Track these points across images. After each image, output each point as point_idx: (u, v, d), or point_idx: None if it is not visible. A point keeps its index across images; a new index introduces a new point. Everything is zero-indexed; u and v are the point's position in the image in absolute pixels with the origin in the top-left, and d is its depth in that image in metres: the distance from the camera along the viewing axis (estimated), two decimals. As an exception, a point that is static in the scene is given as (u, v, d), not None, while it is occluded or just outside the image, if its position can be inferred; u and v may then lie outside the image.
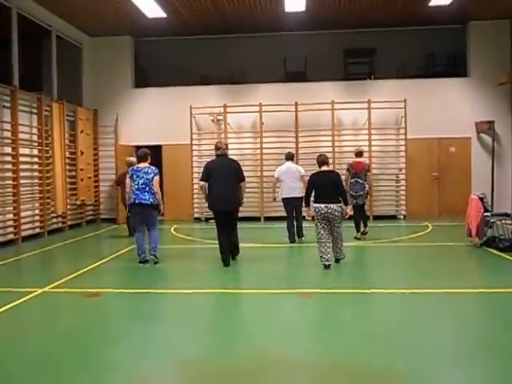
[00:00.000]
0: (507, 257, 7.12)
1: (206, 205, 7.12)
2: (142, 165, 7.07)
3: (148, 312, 4.98)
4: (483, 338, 4.03)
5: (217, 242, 6.96)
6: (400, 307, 4.96)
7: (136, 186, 6.89)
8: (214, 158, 7.13)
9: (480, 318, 4.68)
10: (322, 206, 6.38)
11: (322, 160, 6.78)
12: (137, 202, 6.88)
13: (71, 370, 3.52)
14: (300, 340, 4.03)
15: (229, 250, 6.85)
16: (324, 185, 6.53)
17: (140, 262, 7.04)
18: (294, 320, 4.59)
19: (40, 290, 5.65)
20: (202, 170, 9.42)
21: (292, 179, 8.71)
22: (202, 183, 6.85)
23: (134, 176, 6.95)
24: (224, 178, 6.69)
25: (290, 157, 9.08)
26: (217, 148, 6.99)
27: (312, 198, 6.67)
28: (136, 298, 5.49)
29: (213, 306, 5.17)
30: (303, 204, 8.91)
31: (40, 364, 3.63)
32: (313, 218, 6.62)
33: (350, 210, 6.82)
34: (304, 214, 6.91)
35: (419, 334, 4.10)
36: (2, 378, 3.41)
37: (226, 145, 7.15)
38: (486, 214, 7.90)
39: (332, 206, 6.37)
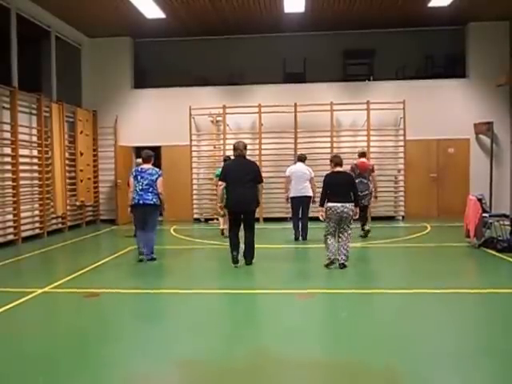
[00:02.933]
0: (505, 257, 7.15)
1: (219, 204, 7.30)
2: (145, 166, 7.32)
3: (147, 312, 5.00)
4: (482, 338, 4.05)
5: (214, 242, 7.04)
6: (399, 307, 4.97)
7: (140, 187, 7.10)
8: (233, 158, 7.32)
9: (478, 318, 4.70)
10: (339, 205, 6.47)
11: (338, 161, 6.90)
12: (140, 202, 7.10)
13: (70, 369, 3.53)
14: (301, 340, 4.04)
15: (238, 248, 6.89)
16: (340, 185, 6.63)
17: (139, 261, 7.36)
18: (295, 320, 4.61)
19: (40, 290, 5.66)
20: (201, 170, 9.73)
21: (301, 179, 9.09)
22: (221, 183, 6.90)
23: (139, 177, 7.18)
24: (240, 178, 6.72)
25: (301, 158, 9.47)
26: (234, 148, 7.04)
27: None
28: (135, 298, 5.51)
29: (212, 306, 5.18)
30: (312, 204, 9.04)
31: (39, 364, 3.64)
32: (325, 218, 6.65)
33: (358, 210, 6.86)
34: (318, 215, 6.80)
35: (419, 334, 4.12)
36: (1, 377, 3.43)
37: (245, 146, 7.08)
38: (484, 214, 7.94)
39: (347, 205, 6.50)
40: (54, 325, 4.59)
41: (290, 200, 9.25)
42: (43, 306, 5.24)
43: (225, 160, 9.35)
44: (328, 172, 6.90)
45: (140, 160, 9.83)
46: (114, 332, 4.41)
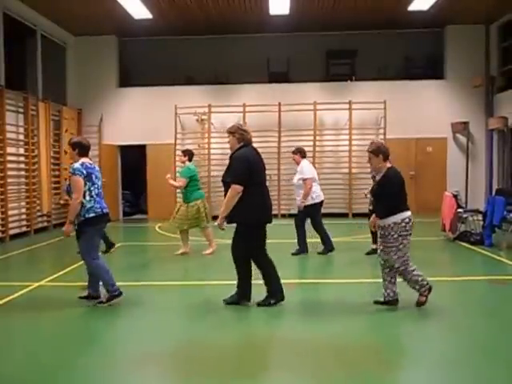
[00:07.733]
0: (477, 249, 7.62)
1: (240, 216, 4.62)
2: (88, 160, 5.06)
3: (138, 302, 5.17)
4: (452, 319, 4.47)
5: (196, 238, 7.10)
6: (379, 294, 5.28)
7: (96, 191, 4.98)
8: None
9: (451, 302, 5.10)
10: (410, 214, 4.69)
11: (389, 153, 4.69)
12: (105, 211, 5.05)
13: (78, 349, 3.77)
14: (286, 324, 4.34)
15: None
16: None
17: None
18: (281, 307, 4.89)
19: (36, 284, 5.86)
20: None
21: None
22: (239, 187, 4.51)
23: (93, 176, 4.96)
24: (265, 173, 4.83)
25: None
26: (245, 132, 4.68)
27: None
28: (124, 291, 5.69)
29: (202, 295, 5.40)
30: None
31: (46, 346, 3.87)
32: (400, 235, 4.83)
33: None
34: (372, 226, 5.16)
35: (397, 317, 4.48)
36: (6, 368, 3.64)
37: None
38: (458, 210, 8.37)
39: None
40: (53, 315, 4.77)
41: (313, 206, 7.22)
42: (40, 298, 5.39)
43: (188, 154, 7.50)
44: (390, 166, 4.74)
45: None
46: (110, 318, 4.63)
